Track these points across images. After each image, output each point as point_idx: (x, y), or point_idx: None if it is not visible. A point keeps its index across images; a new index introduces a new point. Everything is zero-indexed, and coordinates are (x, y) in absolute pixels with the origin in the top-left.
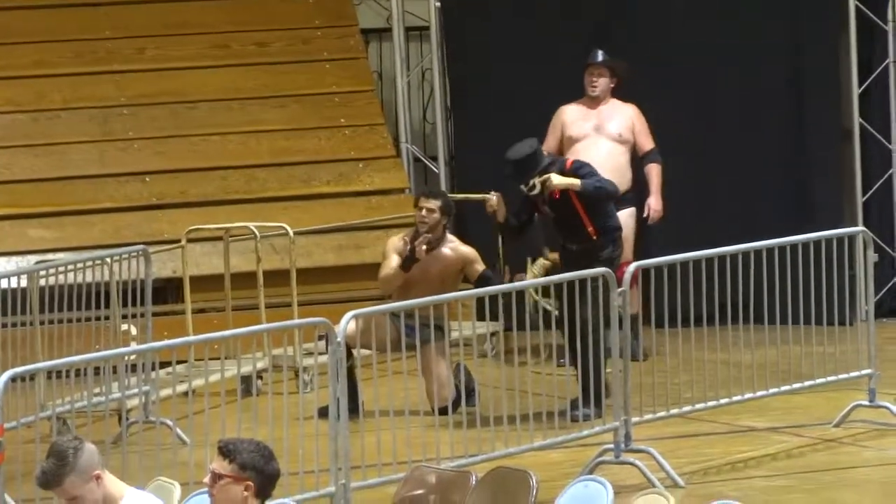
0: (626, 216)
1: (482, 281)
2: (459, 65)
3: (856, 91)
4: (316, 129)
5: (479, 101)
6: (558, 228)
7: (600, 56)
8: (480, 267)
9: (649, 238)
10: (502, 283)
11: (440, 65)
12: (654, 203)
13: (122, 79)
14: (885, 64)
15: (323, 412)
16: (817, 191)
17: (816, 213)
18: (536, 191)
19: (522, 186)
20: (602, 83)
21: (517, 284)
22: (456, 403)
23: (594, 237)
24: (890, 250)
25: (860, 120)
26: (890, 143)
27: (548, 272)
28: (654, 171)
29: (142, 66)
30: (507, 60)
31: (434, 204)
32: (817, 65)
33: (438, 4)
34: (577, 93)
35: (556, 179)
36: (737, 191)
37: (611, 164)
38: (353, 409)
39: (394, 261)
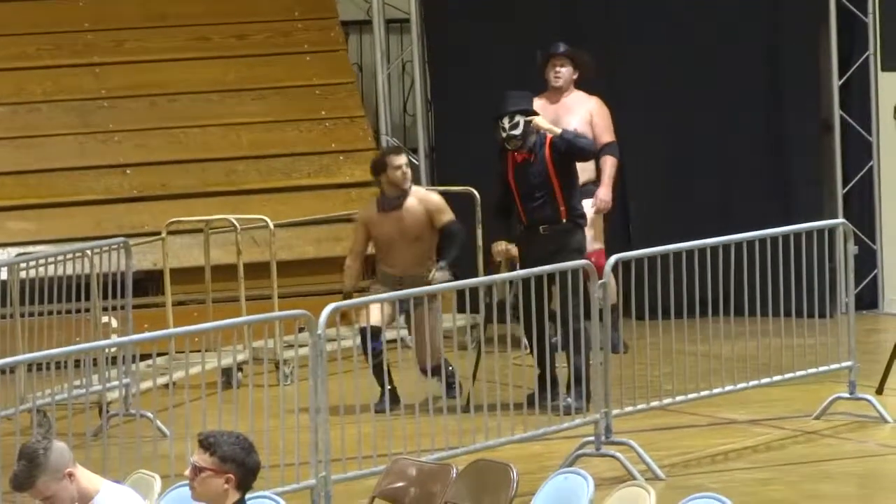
0: (588, 205)
1: (447, 234)
2: (440, 57)
3: (836, 83)
4: (296, 122)
5: (459, 94)
6: (526, 204)
7: (562, 47)
8: (447, 217)
9: (631, 231)
10: (464, 237)
11: (420, 57)
12: (603, 194)
13: (102, 71)
14: (865, 56)
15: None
16: (797, 183)
17: (797, 205)
18: (518, 130)
19: (503, 124)
20: (565, 73)
21: (496, 277)
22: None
23: (563, 218)
24: (870, 242)
25: (840, 112)
26: (870, 135)
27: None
28: (607, 163)
29: (121, 59)
30: (487, 53)
31: (406, 159)
32: (797, 56)
33: None
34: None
35: (542, 121)
36: (717, 183)
37: None
38: (393, 399)
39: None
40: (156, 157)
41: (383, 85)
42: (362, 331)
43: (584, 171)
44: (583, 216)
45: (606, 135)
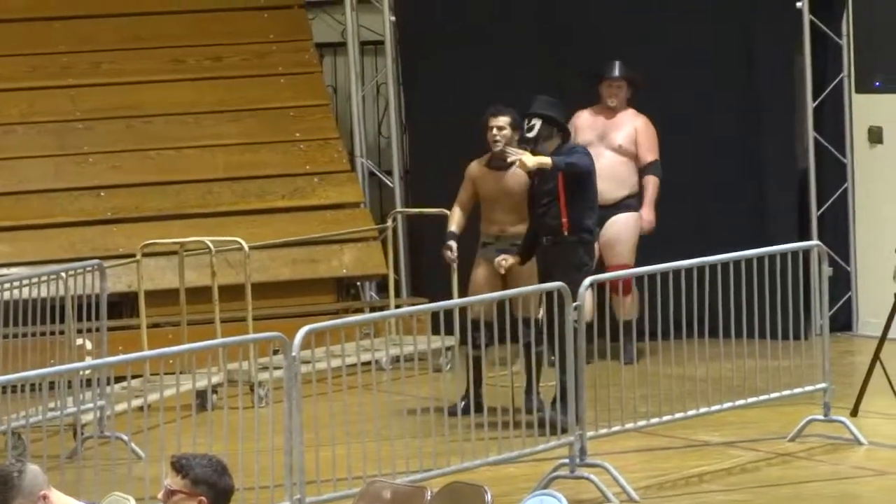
0: (622, 219)
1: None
2: (414, 79)
3: (810, 105)
4: (271, 144)
5: (433, 116)
6: (534, 211)
7: (618, 70)
8: None
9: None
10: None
11: (395, 79)
12: (646, 214)
13: (78, 93)
14: (839, 78)
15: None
16: (772, 204)
17: (771, 226)
18: (532, 133)
19: (524, 125)
20: (621, 96)
21: (472, 299)
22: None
23: (564, 231)
24: (844, 264)
25: (814, 134)
26: (844, 157)
27: None
28: (650, 183)
29: (97, 81)
30: (461, 75)
31: (503, 120)
32: (772, 78)
33: (393, 19)
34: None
35: (529, 161)
36: (691, 205)
37: (609, 173)
38: (478, 406)
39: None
40: (131, 178)
41: (358, 107)
42: (474, 322)
43: (624, 185)
44: (589, 232)
45: (650, 153)
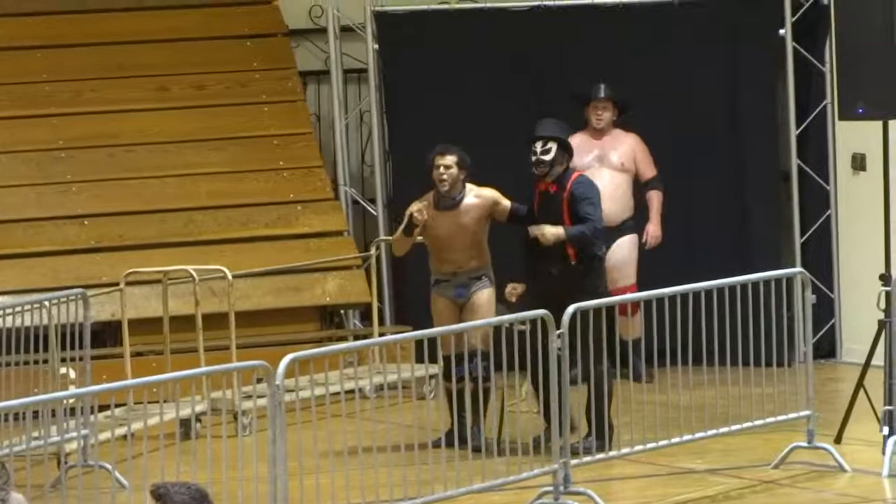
0: (627, 242)
1: (513, 216)
2: (397, 107)
3: (793, 132)
4: (254, 172)
5: (417, 144)
6: (539, 245)
7: (603, 91)
8: (507, 203)
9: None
10: (532, 214)
11: (378, 107)
12: (653, 230)
13: (60, 122)
14: (822, 105)
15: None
16: (755, 232)
17: (754, 254)
18: (549, 157)
19: (536, 148)
20: (606, 117)
21: (459, 326)
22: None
23: (572, 261)
24: (828, 291)
25: (798, 161)
26: (828, 184)
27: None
28: (654, 198)
29: (79, 109)
30: (445, 103)
31: (450, 160)
32: (755, 106)
33: (376, 47)
34: (517, 132)
35: (549, 234)
36: (675, 232)
37: (612, 193)
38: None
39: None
40: (114, 207)
41: (341, 135)
42: (447, 359)
43: (627, 207)
44: (598, 258)
45: (650, 169)
